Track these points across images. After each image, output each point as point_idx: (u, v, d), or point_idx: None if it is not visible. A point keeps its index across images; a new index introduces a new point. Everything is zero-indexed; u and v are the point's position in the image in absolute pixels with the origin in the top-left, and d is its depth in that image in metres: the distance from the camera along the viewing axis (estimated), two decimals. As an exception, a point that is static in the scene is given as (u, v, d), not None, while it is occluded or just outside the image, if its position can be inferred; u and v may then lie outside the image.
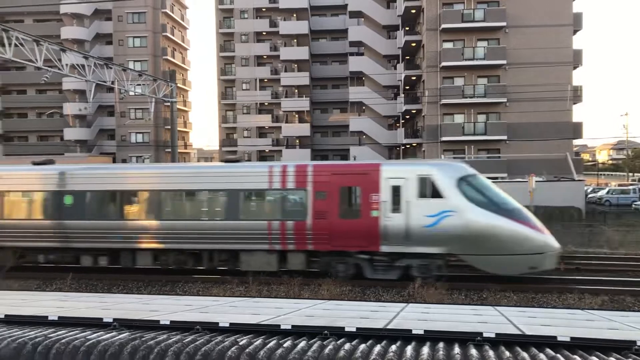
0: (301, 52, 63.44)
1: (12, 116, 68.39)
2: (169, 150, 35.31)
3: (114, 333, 5.29)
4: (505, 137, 42.97)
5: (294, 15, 65.44)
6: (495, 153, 43.79)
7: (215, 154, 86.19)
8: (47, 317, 5.93)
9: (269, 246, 16.98)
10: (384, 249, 16.31)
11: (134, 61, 62.13)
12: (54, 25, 64.80)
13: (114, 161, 64.79)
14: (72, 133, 65.22)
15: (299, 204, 17.14)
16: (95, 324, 5.73)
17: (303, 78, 63.33)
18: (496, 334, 5.13)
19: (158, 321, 5.64)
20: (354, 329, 5.30)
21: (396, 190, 16.28)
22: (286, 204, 17.32)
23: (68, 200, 18.19)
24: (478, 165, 41.87)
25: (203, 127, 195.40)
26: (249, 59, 66.78)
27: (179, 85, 47.26)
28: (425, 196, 16.02)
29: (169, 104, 30.96)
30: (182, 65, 73.06)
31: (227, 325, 5.47)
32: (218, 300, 9.09)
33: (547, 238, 15.85)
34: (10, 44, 19.34)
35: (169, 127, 33.63)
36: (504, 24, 43.06)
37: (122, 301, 8.70)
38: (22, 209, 18.92)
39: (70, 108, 64.71)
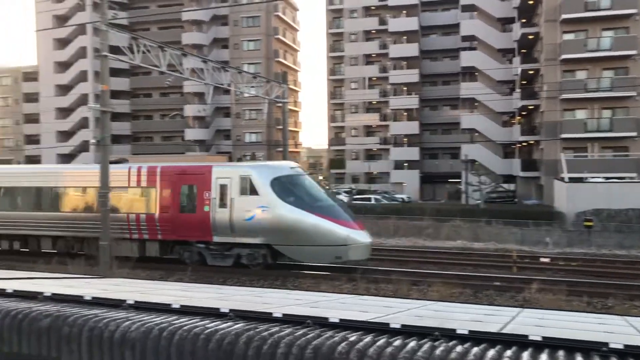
0: (411, 49, 62.63)
1: (140, 118, 73.98)
2: (281, 149, 36.35)
3: (230, 323, 5.54)
4: (634, 134, 39.60)
5: (404, 12, 64.74)
6: (622, 151, 40.48)
7: (324, 153, 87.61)
8: (170, 305, 6.33)
9: (129, 235, 19.69)
10: (216, 239, 18.66)
11: (249, 64, 64.69)
12: (176, 32, 69.12)
13: (230, 160, 67.99)
14: (192, 133, 69.24)
15: (150, 200, 19.68)
16: (213, 313, 6.03)
17: (412, 75, 62.46)
18: (625, 345, 4.74)
19: (271, 314, 5.83)
20: (466, 332, 5.15)
21: (223, 189, 18.59)
22: (140, 200, 19.99)
23: None
24: (601, 165, 39.32)
25: (312, 127, 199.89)
26: (358, 58, 67.03)
27: (290, 86, 48.60)
28: (246, 194, 18.24)
29: (280, 104, 31.89)
30: (293, 66, 74.94)
31: (337, 321, 5.53)
32: (327, 296, 9.23)
33: (351, 232, 17.59)
34: (138, 51, 20.88)
35: (281, 127, 34.68)
36: (634, 10, 39.69)
37: (236, 293, 9.10)
38: None
39: (190, 110, 68.76)
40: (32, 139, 74.18)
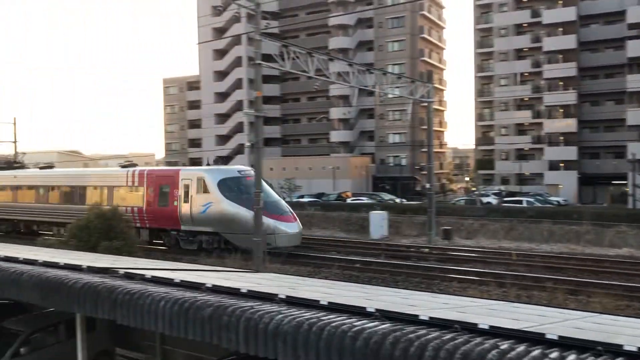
0: (567, 41, 58.23)
1: (289, 121, 77.45)
2: (425, 150, 35.83)
3: (376, 322, 5.58)
4: None
5: (559, 2, 60.40)
6: None
7: (470, 153, 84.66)
8: (318, 301, 6.54)
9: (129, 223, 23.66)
10: (183, 227, 23.73)
11: (393, 64, 64.69)
12: (323, 38, 71.30)
13: (373, 161, 68.50)
14: (337, 135, 70.94)
15: (140, 197, 25.34)
16: (359, 312, 6.11)
17: (569, 69, 58.03)
18: None
19: (417, 316, 5.77)
20: (634, 349, 4.67)
21: (186, 188, 23.53)
22: (136, 196, 25.59)
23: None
24: None
25: (459, 126, 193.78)
26: (508, 53, 63.84)
27: (435, 85, 47.72)
28: (200, 192, 23.07)
29: (425, 104, 31.44)
30: (439, 65, 73.49)
31: (487, 327, 5.32)
32: (475, 301, 8.92)
33: (278, 223, 21.77)
34: (288, 58, 21.87)
35: (425, 127, 34.20)
36: None
37: (382, 293, 9.13)
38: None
39: (336, 112, 70.47)
40: (195, 143, 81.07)
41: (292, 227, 22.44)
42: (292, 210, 24.33)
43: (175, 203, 23.93)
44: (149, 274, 8.47)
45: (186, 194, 23.60)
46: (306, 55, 22.64)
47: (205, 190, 23.10)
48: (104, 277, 8.27)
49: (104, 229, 20.68)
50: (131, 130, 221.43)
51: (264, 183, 22.62)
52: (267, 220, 21.10)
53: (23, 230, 31.81)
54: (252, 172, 23.47)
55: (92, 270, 8.81)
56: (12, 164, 37.88)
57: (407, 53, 66.66)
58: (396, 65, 64.81)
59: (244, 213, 21.79)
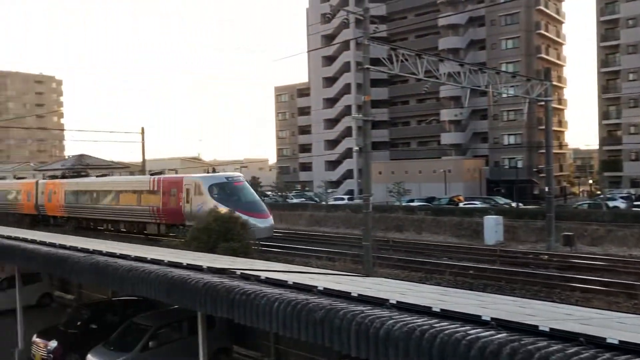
0: None
1: (397, 125, 76.90)
2: (543, 151, 33.97)
3: (492, 332, 5.37)
4: None
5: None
6: None
7: (594, 154, 79.03)
8: (430, 308, 6.41)
9: (152, 220, 31.76)
10: (187, 223, 28.04)
11: (507, 63, 62.06)
12: (432, 39, 70.07)
13: (487, 164, 66.05)
14: (447, 137, 69.28)
15: (158, 198, 30.81)
16: (474, 320, 5.91)
17: None
18: None
19: (537, 326, 5.47)
20: None
21: (187, 191, 28.76)
22: (154, 198, 31.15)
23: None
24: None
25: (580, 126, 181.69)
26: (638, 46, 58.84)
27: (553, 83, 45.06)
28: (196, 194, 28.18)
29: (542, 103, 29.83)
30: (557, 61, 69.37)
31: (616, 342, 4.92)
32: (602, 313, 8.30)
33: (251, 219, 25.34)
34: (397, 61, 21.74)
35: (543, 127, 32.41)
36: None
37: (498, 301, 8.77)
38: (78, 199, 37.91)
39: (446, 114, 68.88)
40: (305, 148, 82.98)
41: (263, 222, 27.19)
42: (266, 209, 28.84)
43: (181, 203, 29.43)
44: (263, 275, 8.77)
45: (187, 196, 29.10)
46: (415, 57, 22.39)
47: (199, 193, 28.35)
48: (222, 277, 8.69)
49: (221, 231, 21.75)
50: (247, 137, 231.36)
51: (247, 186, 29.83)
52: (243, 217, 24.88)
53: (83, 225, 37.96)
54: (241, 178, 30.40)
55: (211, 270, 9.29)
56: (78, 173, 45.17)
57: (522, 50, 63.64)
58: (510, 64, 62.09)
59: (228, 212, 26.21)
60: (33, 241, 14.45)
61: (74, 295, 20.83)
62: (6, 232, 17.89)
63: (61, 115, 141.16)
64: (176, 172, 36.92)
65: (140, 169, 63.33)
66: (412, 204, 49.70)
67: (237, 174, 33.00)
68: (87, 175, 42.68)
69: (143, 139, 56.00)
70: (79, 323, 14.92)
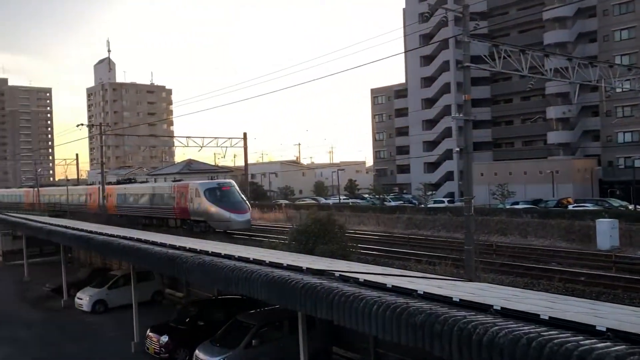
0: None
1: (500, 124, 73.99)
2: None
3: (608, 343, 5.00)
4: None
5: None
6: None
7: None
8: (538, 315, 6.09)
9: (170, 216, 42.50)
10: (192, 218, 39.10)
11: (621, 55, 57.81)
12: (536, 33, 66.79)
13: (599, 164, 61.88)
14: (555, 136, 65.68)
15: (173, 198, 41.40)
16: (587, 330, 5.54)
17: None
18: None
19: (660, 339, 5.02)
20: None
21: (191, 193, 38.78)
22: (172, 199, 41.53)
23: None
24: None
25: None
26: None
27: (676, 74, 41.21)
28: (196, 196, 38.31)
29: (664, 96, 27.45)
30: (680, 50, 63.55)
31: None
32: None
33: (232, 215, 36.73)
34: (499, 58, 20.91)
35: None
36: None
37: (615, 311, 8.17)
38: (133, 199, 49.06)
39: (553, 112, 65.31)
40: (403, 150, 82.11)
41: (242, 217, 37.39)
42: (246, 208, 38.59)
43: (187, 203, 39.40)
44: (362, 277, 8.76)
45: (191, 197, 39.02)
46: (518, 53, 21.46)
47: (198, 195, 38.33)
48: (322, 278, 8.79)
49: (320, 233, 22.03)
50: (344, 139, 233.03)
51: (233, 190, 39.18)
52: (226, 212, 36.97)
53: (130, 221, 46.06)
54: (229, 184, 40.29)
55: (310, 271, 9.42)
56: (127, 179, 59.45)
57: (638, 41, 58.98)
58: (625, 56, 57.76)
59: (215, 209, 37.23)
60: (146, 242, 15.43)
61: (183, 293, 21.99)
62: (122, 233, 19.25)
63: (171, 123, 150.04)
64: (225, 178, 49.99)
65: (242, 172, 65.83)
66: (516, 206, 47.60)
67: (228, 180, 44.16)
68: (134, 182, 54.93)
69: (245, 144, 58.07)
70: (187, 319, 15.73)
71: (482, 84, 69.94)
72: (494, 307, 6.50)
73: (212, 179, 49.35)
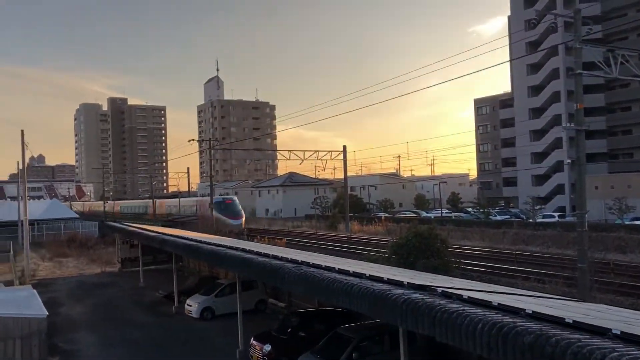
0: None
1: (617, 134, 68.96)
2: None
3: None
4: None
5: None
6: None
7: None
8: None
9: (194, 220, 59.61)
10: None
11: None
12: (658, 35, 61.84)
13: None
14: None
15: (195, 209, 65.49)
16: None
17: None
18: None
19: None
20: None
21: (210, 206, 57.63)
22: (195, 210, 64.89)
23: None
24: None
25: None
26: None
27: None
28: (209, 208, 58.82)
29: None
30: None
31: None
32: None
33: (229, 219, 57.31)
34: (615, 63, 19.57)
35: None
36: None
37: None
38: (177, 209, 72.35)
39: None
40: (509, 162, 78.88)
41: (236, 221, 57.23)
42: (241, 214, 60.29)
43: (205, 211, 57.42)
44: (465, 294, 8.47)
45: (210, 209, 56.51)
46: (638, 58, 19.95)
47: (210, 207, 56.88)
48: (423, 294, 8.60)
49: (421, 247, 21.64)
50: (446, 151, 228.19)
51: (233, 203, 61.32)
52: (226, 218, 56.63)
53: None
54: (231, 198, 64.21)
55: (412, 286, 9.25)
56: (176, 194, 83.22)
57: None
58: None
59: (219, 215, 56.38)
60: (250, 251, 15.94)
61: (285, 303, 22.45)
62: (228, 243, 20.04)
63: (274, 137, 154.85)
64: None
65: (342, 185, 66.35)
66: (637, 222, 44.04)
67: (230, 196, 69.15)
68: (179, 197, 76.83)
69: (345, 157, 58.56)
70: (289, 329, 16.02)
71: (596, 92, 65.75)
72: (613, 331, 6.01)
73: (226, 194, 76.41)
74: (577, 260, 17.97)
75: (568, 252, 33.36)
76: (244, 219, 60.64)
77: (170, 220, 65.55)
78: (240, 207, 61.24)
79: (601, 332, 6.11)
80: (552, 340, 5.72)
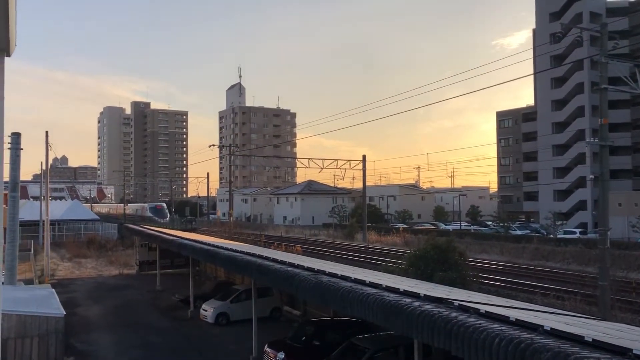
0: None
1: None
2: None
3: None
4: None
5: None
6: None
7: None
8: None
9: (140, 220, 77.27)
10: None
11: None
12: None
13: None
14: None
15: (140, 211, 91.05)
16: None
17: None
18: None
19: None
20: None
21: (144, 209, 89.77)
22: (140, 212, 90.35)
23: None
24: None
25: None
26: None
27: None
28: (144, 211, 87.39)
29: None
30: None
31: None
32: None
33: (160, 219, 78.24)
34: (641, 79, 19.24)
35: None
36: None
37: None
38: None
39: None
40: (530, 176, 77.97)
41: (163, 220, 75.13)
42: (167, 215, 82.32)
43: (144, 213, 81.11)
44: (483, 308, 8.35)
45: (145, 211, 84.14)
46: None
47: (146, 210, 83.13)
48: (440, 307, 8.49)
49: (438, 260, 21.43)
50: (466, 164, 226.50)
51: (163, 205, 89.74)
52: (156, 217, 78.25)
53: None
54: (162, 205, 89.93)
55: (428, 299, 9.15)
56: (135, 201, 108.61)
57: None
58: None
59: (153, 216, 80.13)
60: (267, 258, 15.94)
61: (300, 311, 22.38)
62: (245, 249, 20.07)
63: (294, 145, 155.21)
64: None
65: (360, 194, 66.14)
66: (661, 241, 43.15)
67: (160, 203, 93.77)
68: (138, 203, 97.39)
69: (364, 166, 58.43)
70: (303, 338, 15.95)
71: (621, 107, 64.86)
72: (634, 351, 5.87)
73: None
74: (598, 278, 17.64)
75: (589, 269, 32.77)
76: (167, 218, 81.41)
77: (128, 216, 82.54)
78: (166, 211, 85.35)
79: (622, 352, 5.97)
80: (571, 358, 5.60)
